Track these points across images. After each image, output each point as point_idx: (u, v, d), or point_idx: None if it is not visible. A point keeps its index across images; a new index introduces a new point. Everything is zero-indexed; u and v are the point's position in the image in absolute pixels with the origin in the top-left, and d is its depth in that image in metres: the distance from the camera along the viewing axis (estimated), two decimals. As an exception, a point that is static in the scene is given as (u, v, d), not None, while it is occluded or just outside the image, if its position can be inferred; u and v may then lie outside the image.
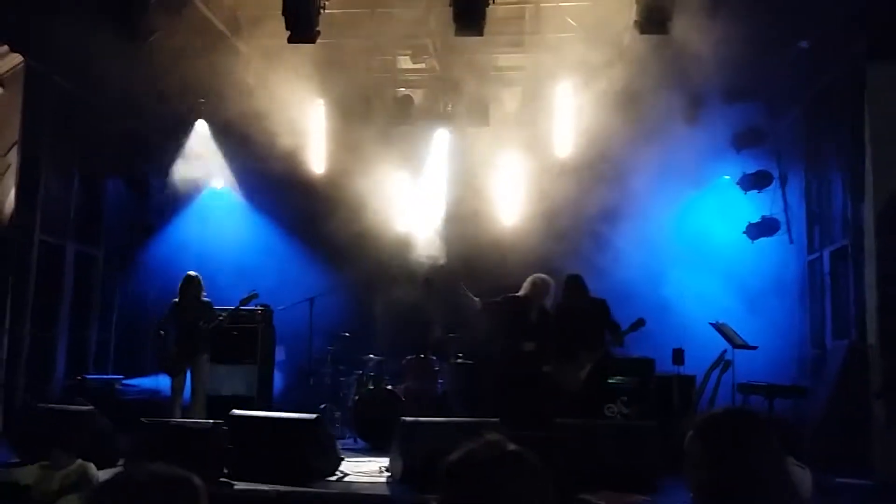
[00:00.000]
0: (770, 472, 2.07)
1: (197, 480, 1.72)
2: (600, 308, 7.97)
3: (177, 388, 8.45)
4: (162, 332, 8.48)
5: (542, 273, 8.42)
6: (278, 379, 10.66)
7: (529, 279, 8.28)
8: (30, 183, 9.34)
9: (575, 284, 8.05)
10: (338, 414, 9.57)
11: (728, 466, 2.06)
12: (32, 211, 9.33)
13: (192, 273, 8.74)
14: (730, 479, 2.05)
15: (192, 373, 8.46)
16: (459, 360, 9.50)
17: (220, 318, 8.57)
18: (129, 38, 8.36)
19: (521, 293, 8.26)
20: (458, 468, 1.65)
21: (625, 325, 7.78)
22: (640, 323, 7.72)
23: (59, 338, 9.95)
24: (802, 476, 4.41)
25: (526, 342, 8.00)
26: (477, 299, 8.52)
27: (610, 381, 8.53)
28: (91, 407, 7.10)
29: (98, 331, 10.95)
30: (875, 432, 7.50)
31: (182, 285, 8.61)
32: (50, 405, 7.45)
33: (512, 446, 1.69)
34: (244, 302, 8.74)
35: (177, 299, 8.61)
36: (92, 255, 10.86)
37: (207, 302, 8.67)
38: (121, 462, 6.48)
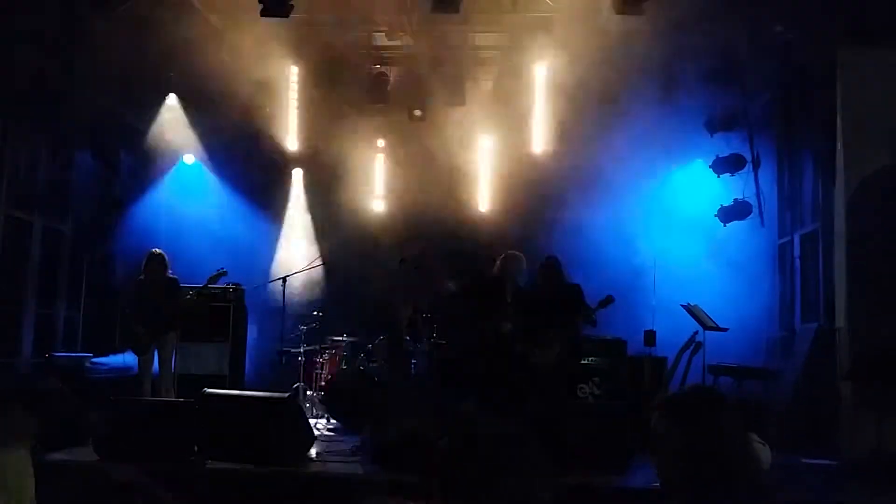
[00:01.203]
0: (734, 449, 2.11)
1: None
2: (575, 292, 7.98)
3: (144, 367, 8.35)
4: (127, 312, 8.37)
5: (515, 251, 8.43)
6: (250, 358, 10.60)
7: (501, 257, 8.27)
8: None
9: (551, 266, 8.04)
10: (310, 393, 9.55)
11: (693, 444, 2.09)
12: (-2, 186, 9.16)
13: (155, 250, 8.60)
14: (695, 456, 2.08)
15: (158, 351, 8.37)
16: (433, 341, 9.50)
17: (188, 295, 8.50)
18: (97, 7, 8.20)
19: (494, 272, 8.25)
20: (459, 448, 1.64)
21: (594, 304, 7.80)
22: (608, 300, 7.73)
23: (25, 315, 9.79)
24: (762, 452, 4.54)
25: (502, 323, 7.99)
26: (451, 283, 8.52)
27: (582, 362, 8.58)
28: (58, 384, 6.98)
29: (66, 308, 10.79)
30: (842, 414, 7.62)
31: (146, 262, 8.49)
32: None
33: (513, 426, 1.69)
34: (212, 280, 8.66)
35: (141, 277, 8.50)
36: (60, 231, 10.67)
37: (174, 279, 8.55)
38: (90, 442, 6.42)
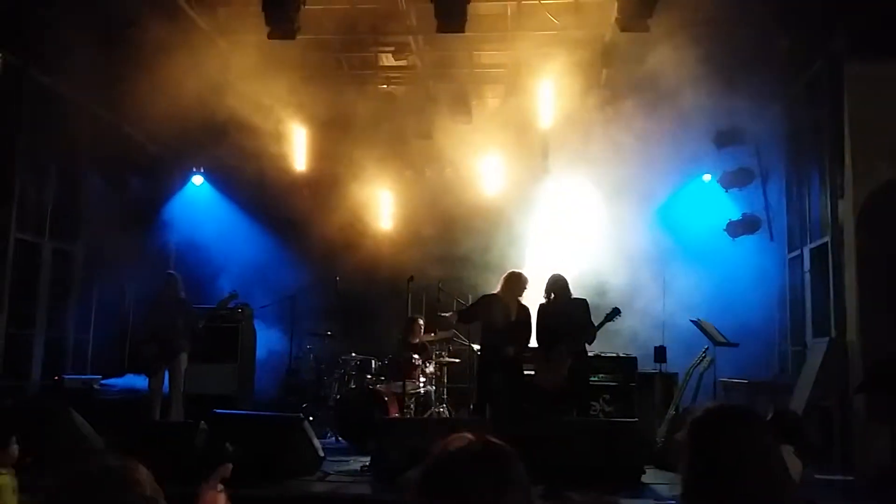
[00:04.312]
0: (762, 466, 2.08)
1: (142, 470, 1.74)
2: (582, 307, 7.96)
3: (155, 388, 8.37)
4: (139, 333, 8.41)
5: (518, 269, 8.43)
6: (259, 378, 10.60)
7: (504, 275, 8.27)
8: (4, 180, 9.19)
9: (558, 284, 8.03)
10: (319, 413, 9.52)
11: (722, 462, 2.07)
12: (8, 208, 9.18)
13: (170, 272, 8.70)
14: (723, 474, 2.06)
15: (169, 372, 8.38)
16: (441, 359, 9.48)
17: (200, 316, 8.54)
18: (107, 30, 8.28)
19: (497, 290, 8.24)
20: (438, 463, 1.61)
21: (599, 318, 7.79)
22: (615, 312, 7.73)
23: (36, 337, 9.81)
24: (793, 465, 4.49)
25: (506, 345, 7.96)
26: (451, 314, 8.53)
27: (593, 379, 8.54)
28: (66, 405, 6.99)
29: (76, 329, 10.80)
30: (855, 428, 7.55)
31: (160, 284, 8.54)
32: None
33: (494, 441, 1.66)
34: (224, 303, 8.69)
35: (155, 299, 8.53)
36: (70, 253, 10.71)
37: (185, 300, 8.60)
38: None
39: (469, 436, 1.66)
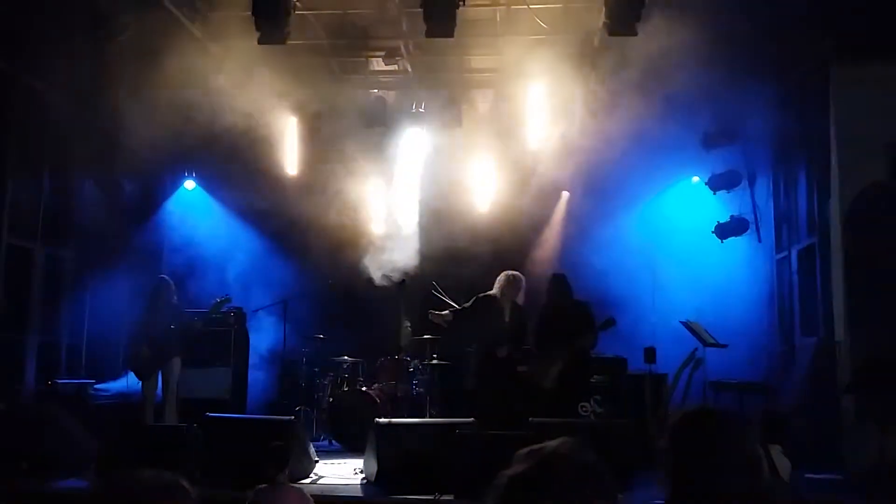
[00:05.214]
0: (744, 467, 2.12)
1: (185, 484, 1.78)
2: (583, 310, 8.00)
3: (148, 392, 8.39)
4: (132, 337, 8.43)
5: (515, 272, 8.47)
6: (252, 381, 10.61)
7: (501, 277, 8.30)
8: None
9: (560, 283, 8.06)
10: (313, 415, 9.55)
11: (702, 464, 2.11)
12: (-1, 213, 9.21)
13: (163, 276, 8.71)
14: (703, 476, 2.09)
15: (163, 376, 8.40)
16: (434, 361, 9.52)
17: (193, 321, 8.56)
18: (98, 35, 8.29)
19: (492, 292, 8.28)
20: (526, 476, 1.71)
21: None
22: (609, 322, 7.77)
23: (28, 342, 9.80)
24: (782, 464, 4.55)
25: (500, 346, 7.99)
26: (446, 312, 8.55)
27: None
28: (62, 410, 7.01)
29: (69, 334, 10.79)
30: (844, 427, 7.63)
31: (153, 289, 8.56)
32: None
33: (582, 449, 1.77)
34: (217, 307, 8.70)
35: (148, 303, 8.55)
36: (62, 258, 10.71)
37: (178, 305, 8.64)
38: (93, 466, 6.43)
39: (555, 444, 1.76)
